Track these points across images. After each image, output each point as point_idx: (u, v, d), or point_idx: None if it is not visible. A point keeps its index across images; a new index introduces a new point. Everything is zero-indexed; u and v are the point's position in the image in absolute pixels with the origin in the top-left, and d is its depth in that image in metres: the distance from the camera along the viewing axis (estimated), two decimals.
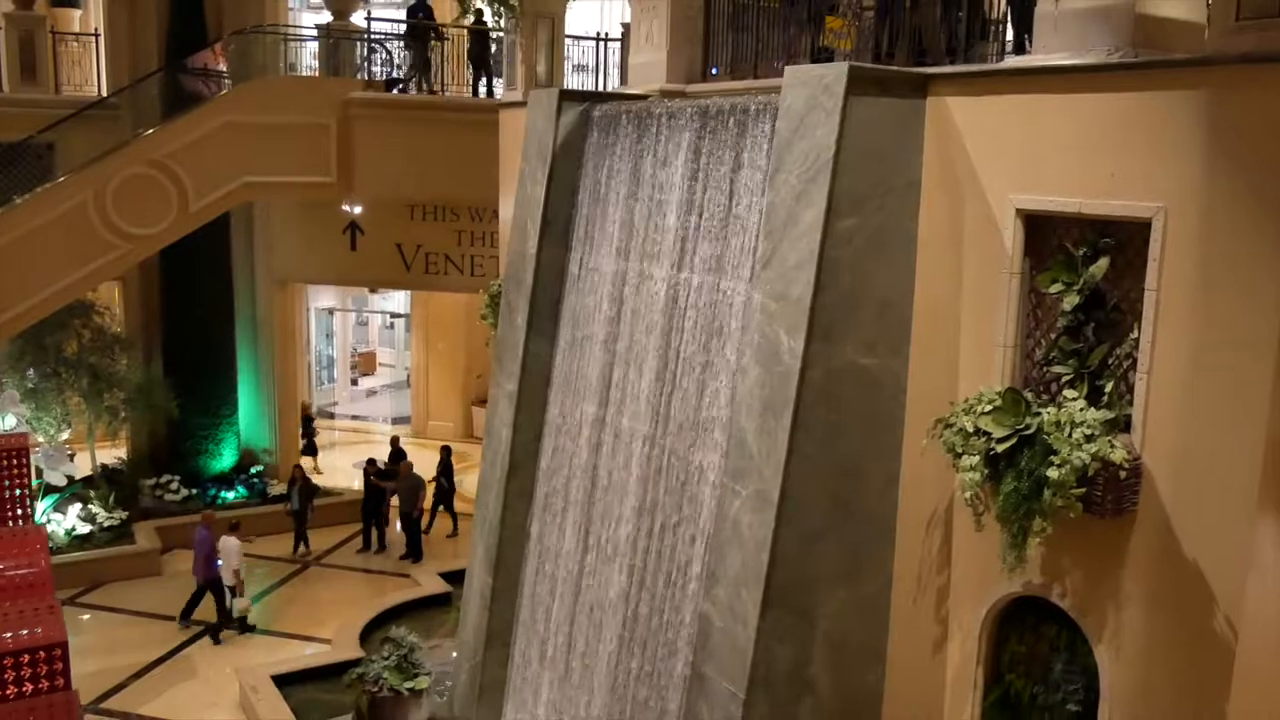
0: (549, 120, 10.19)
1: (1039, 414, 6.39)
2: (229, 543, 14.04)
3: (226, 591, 14.00)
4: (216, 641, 13.89)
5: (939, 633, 7.57)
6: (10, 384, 16.46)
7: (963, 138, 7.12)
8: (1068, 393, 6.45)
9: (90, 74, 18.22)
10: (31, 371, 16.49)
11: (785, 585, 7.31)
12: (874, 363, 7.42)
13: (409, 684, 10.49)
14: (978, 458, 6.52)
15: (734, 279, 8.13)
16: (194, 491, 17.72)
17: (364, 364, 29.68)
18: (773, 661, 7.38)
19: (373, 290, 26.09)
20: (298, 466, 17.10)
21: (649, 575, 8.75)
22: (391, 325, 31.80)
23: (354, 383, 27.99)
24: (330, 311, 26.49)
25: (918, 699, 7.66)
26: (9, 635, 6.30)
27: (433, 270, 17.87)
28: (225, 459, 18.35)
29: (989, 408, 6.62)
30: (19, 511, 9.99)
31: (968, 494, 6.54)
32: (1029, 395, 6.67)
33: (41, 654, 6.30)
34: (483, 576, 10.70)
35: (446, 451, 17.84)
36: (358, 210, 17.17)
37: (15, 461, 10.25)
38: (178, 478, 17.75)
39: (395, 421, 25.02)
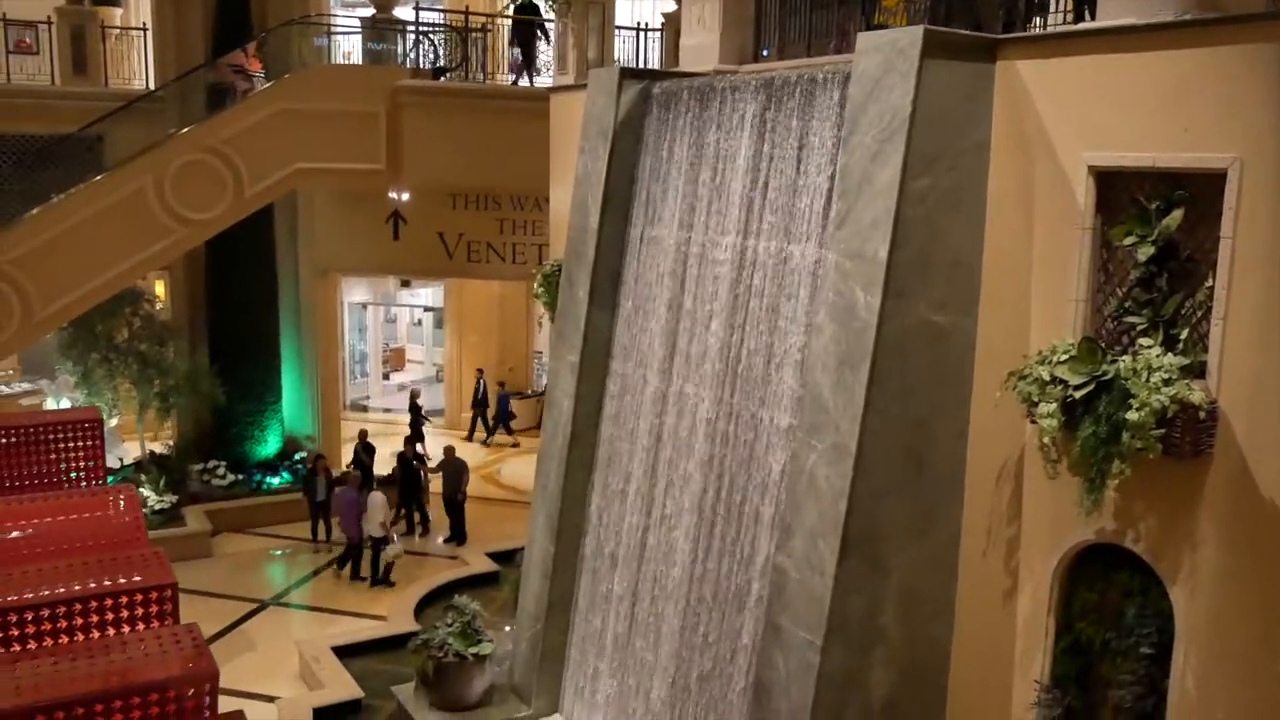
0: (609, 98, 10.44)
1: (1115, 362, 6.60)
2: (375, 498, 15.30)
3: (375, 543, 15.24)
4: (390, 584, 14.99)
5: (1009, 584, 7.76)
6: (64, 369, 16.74)
7: (1033, 100, 7.34)
8: (1143, 341, 6.65)
9: (137, 68, 18.52)
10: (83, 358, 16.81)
11: (860, 536, 7.53)
12: (945, 320, 7.65)
13: (473, 649, 10.71)
14: (1054, 405, 6.73)
15: (802, 242, 8.36)
16: (239, 477, 17.99)
17: (394, 359, 30.00)
18: (847, 611, 7.59)
19: (404, 284, 26.37)
20: (320, 456, 17.28)
21: (716, 534, 8.96)
22: (419, 322, 32.11)
23: (385, 377, 28.27)
24: (364, 306, 26.78)
25: (986, 650, 7.85)
26: (123, 579, 6.55)
27: (475, 259, 18.15)
28: (270, 445, 18.62)
29: (1064, 357, 6.83)
30: (95, 478, 10.26)
31: (1046, 439, 6.75)
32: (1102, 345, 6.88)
33: (154, 594, 6.55)
34: (544, 545, 10.93)
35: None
36: (404, 197, 17.44)
37: (91, 431, 10.54)
38: (224, 463, 18.02)
39: (429, 414, 25.32)
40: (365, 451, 17.57)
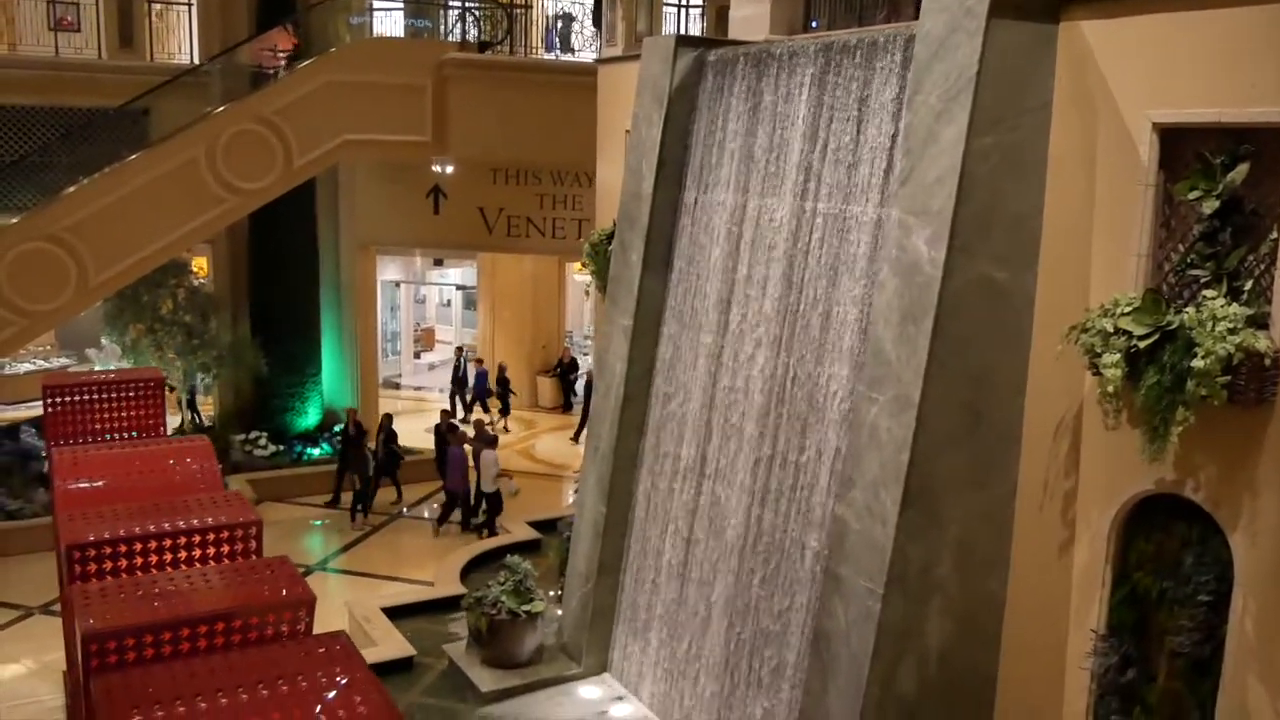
0: (665, 65, 10.59)
1: (1180, 313, 6.74)
2: (488, 455, 15.96)
3: (485, 498, 16.15)
4: (494, 533, 15.78)
5: (1065, 536, 7.91)
6: (111, 339, 17.02)
7: (1096, 60, 7.47)
8: (1207, 293, 6.78)
9: (182, 42, 18.77)
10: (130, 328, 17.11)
11: (921, 487, 7.69)
12: (1005, 276, 7.79)
13: (525, 606, 10.92)
14: (1118, 355, 6.88)
15: (862, 203, 8.51)
16: (280, 448, 18.26)
17: (424, 339, 30.31)
18: (907, 561, 7.76)
19: (437, 263, 26.61)
20: (387, 415, 17.52)
21: (772, 489, 9.13)
22: (448, 303, 32.38)
23: (416, 356, 28.55)
24: (396, 284, 27.03)
25: (1041, 602, 8.01)
26: (209, 518, 6.77)
27: (515, 233, 18.34)
28: (310, 417, 18.90)
29: (1128, 309, 6.98)
30: (156, 435, 10.49)
31: (1110, 388, 6.89)
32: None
33: (239, 531, 6.78)
34: (595, 506, 11.13)
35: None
36: (449, 170, 17.63)
37: (153, 391, 10.79)
38: (266, 434, 18.29)
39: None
40: (449, 430, 17.76)
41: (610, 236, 12.55)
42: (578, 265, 26.47)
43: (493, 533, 15.95)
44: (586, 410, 17.74)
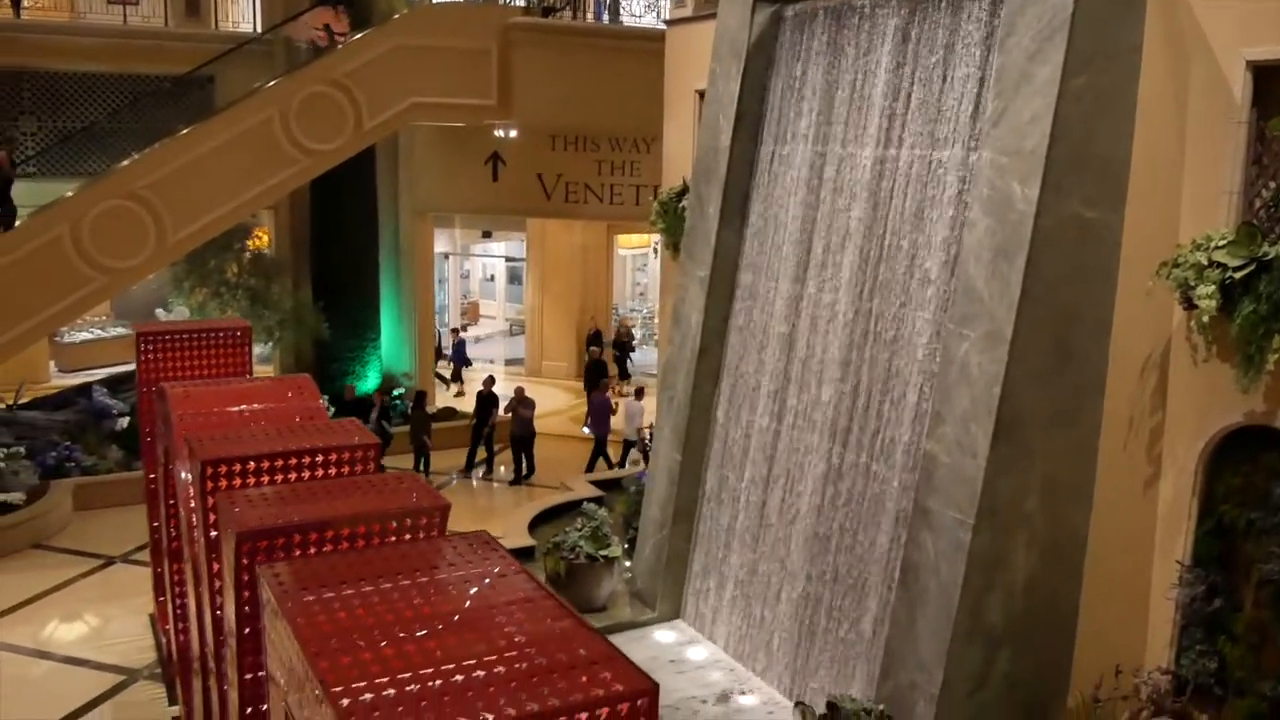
0: (743, 20, 10.77)
1: (1276, 244, 6.90)
2: (634, 405, 16.89)
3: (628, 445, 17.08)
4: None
5: (1150, 472, 8.10)
6: (178, 302, 17.38)
7: (1189, 1, 7.61)
8: None
9: (245, 11, 19.09)
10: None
11: (1011, 421, 7.87)
12: (1095, 215, 7.95)
13: (603, 551, 11.19)
14: (1213, 287, 7.06)
15: (949, 147, 8.68)
16: (338, 409, 18.59)
17: (470, 312, 30.65)
18: (996, 493, 7.95)
19: (485, 235, 26.88)
20: (490, 378, 17.94)
21: (854, 430, 9.33)
22: (492, 278, 32.70)
23: (464, 328, 28.89)
24: (445, 256, 27.33)
25: (1125, 535, 8.20)
26: (331, 440, 7.05)
27: (572, 199, 18.56)
28: (369, 380, 19.21)
29: (1223, 243, 7.15)
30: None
31: (1205, 318, 7.07)
32: None
33: (360, 452, 7.04)
34: (670, 454, 11.37)
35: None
36: (512, 134, 17.87)
37: (240, 339, 11.12)
38: (326, 397, 18.59)
39: (509, 363, 25.88)
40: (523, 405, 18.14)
41: (681, 194, 12.78)
42: (622, 237, 26.82)
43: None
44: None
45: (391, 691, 3.78)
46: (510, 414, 17.36)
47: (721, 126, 11.00)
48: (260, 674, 5.64)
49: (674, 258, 13.23)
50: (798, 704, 7.93)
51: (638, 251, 29.83)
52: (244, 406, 8.15)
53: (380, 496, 6.11)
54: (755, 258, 10.81)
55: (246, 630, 5.58)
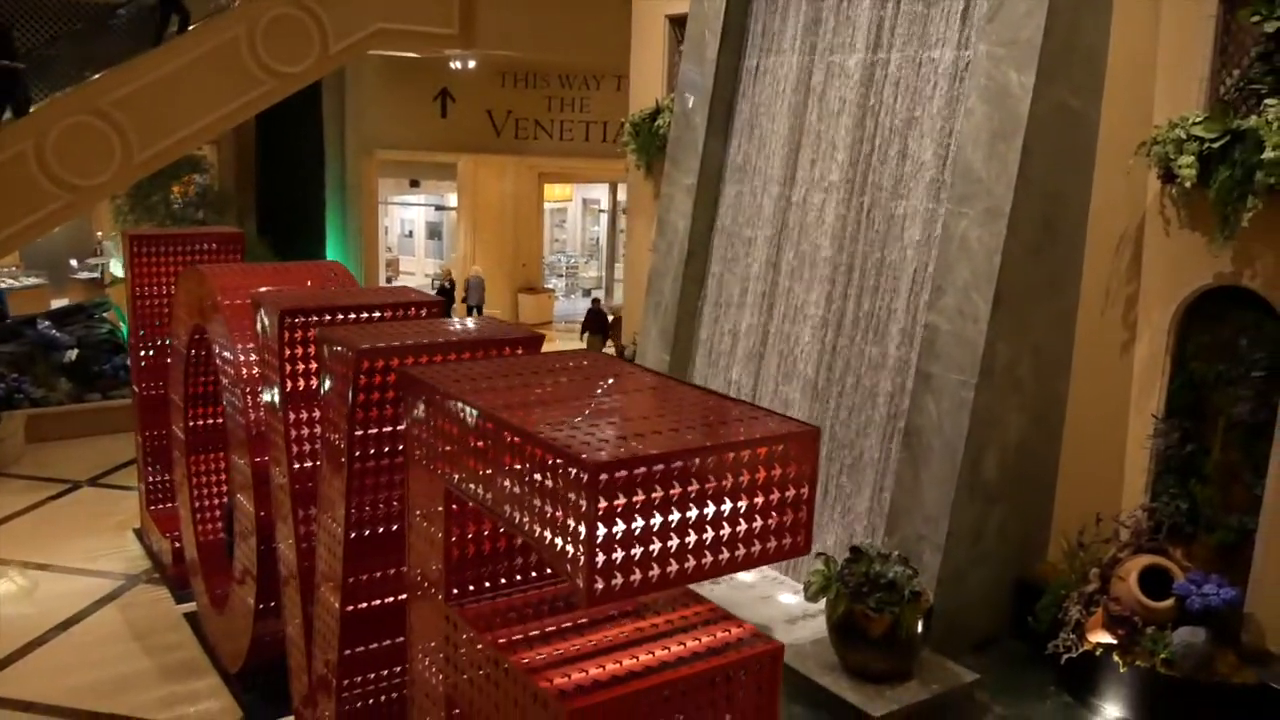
0: None
1: (1247, 118, 7.80)
2: None
3: None
4: None
5: (1126, 336, 8.97)
6: (114, 241, 17.06)
7: None
8: (1269, 101, 7.82)
9: None
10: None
11: (1008, 290, 8.64)
12: (1078, 103, 8.77)
13: None
14: (1192, 157, 7.92)
15: (939, 48, 9.39)
16: None
17: (390, 268, 30.55)
18: (995, 357, 8.72)
19: (413, 184, 26.87)
20: None
21: (847, 318, 10.00)
22: (410, 234, 32.59)
23: (388, 280, 28.83)
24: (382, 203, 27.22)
25: (1102, 396, 9.06)
26: (386, 299, 7.36)
27: (522, 136, 18.86)
28: None
29: (1199, 120, 8.02)
30: None
31: (1187, 184, 7.92)
32: None
33: (421, 309, 7.37)
34: (658, 355, 11.89)
35: None
36: (471, 64, 18.04)
37: (234, 247, 11.20)
38: None
39: None
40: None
41: (653, 115, 13.28)
42: (551, 189, 27.17)
43: None
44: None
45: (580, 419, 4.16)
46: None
47: (708, 40, 11.53)
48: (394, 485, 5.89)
49: (646, 177, 13.75)
50: (818, 554, 8.56)
51: (558, 205, 30.23)
52: (289, 283, 8.38)
53: (474, 329, 6.46)
54: (742, 166, 11.38)
55: (378, 434, 5.82)
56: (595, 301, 18.71)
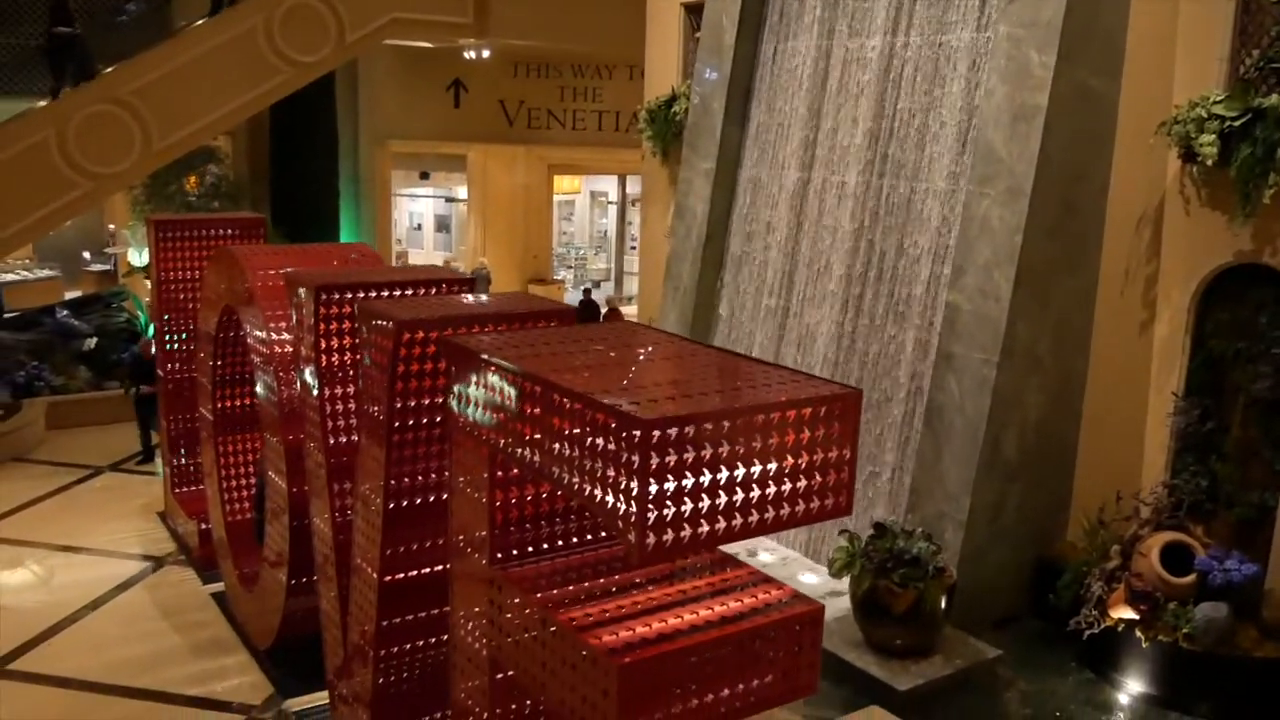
0: None
1: (1269, 96, 7.86)
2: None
3: None
4: None
5: (1145, 316, 9.04)
6: (132, 233, 17.18)
7: None
8: None
9: None
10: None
11: (1029, 269, 8.72)
12: (1098, 83, 8.84)
13: None
14: (1213, 136, 7.98)
15: (957, 30, 9.46)
16: None
17: (399, 261, 30.66)
18: (1015, 336, 8.80)
19: (423, 177, 26.94)
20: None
21: (866, 300, 10.09)
22: (419, 227, 32.66)
23: None
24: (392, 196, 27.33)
25: (1122, 375, 9.13)
26: (424, 276, 7.46)
27: (535, 125, 18.93)
28: None
29: (1220, 98, 8.08)
30: None
31: (1209, 162, 7.99)
32: None
33: (457, 286, 7.47)
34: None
35: None
36: (485, 54, 18.11)
37: (256, 232, 11.30)
38: None
39: None
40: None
41: (669, 102, 13.35)
42: (560, 181, 27.23)
43: None
44: None
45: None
46: None
47: (726, 26, 11.60)
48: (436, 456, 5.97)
49: (662, 164, 13.82)
50: (842, 531, 8.66)
51: (566, 198, 30.30)
52: (320, 264, 8.47)
53: (503, 301, 6.56)
54: (760, 151, 11.46)
55: (418, 403, 5.90)
56: (586, 292, 18.83)
